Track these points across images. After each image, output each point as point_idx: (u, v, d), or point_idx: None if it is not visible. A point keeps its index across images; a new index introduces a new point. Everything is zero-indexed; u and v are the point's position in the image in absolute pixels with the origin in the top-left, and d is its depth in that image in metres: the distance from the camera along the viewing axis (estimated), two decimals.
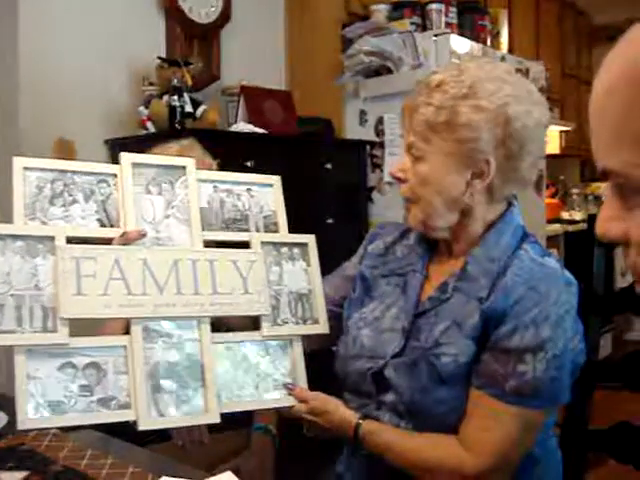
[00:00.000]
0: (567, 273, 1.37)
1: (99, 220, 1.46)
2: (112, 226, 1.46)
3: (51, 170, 1.46)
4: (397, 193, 3.88)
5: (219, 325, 1.50)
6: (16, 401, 1.25)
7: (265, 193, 1.64)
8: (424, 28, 3.89)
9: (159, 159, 1.58)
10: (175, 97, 3.29)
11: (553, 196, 6.05)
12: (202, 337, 1.42)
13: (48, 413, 1.25)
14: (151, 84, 3.47)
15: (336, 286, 1.62)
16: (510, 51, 4.80)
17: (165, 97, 3.34)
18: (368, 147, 3.92)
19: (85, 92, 3.38)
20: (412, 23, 3.85)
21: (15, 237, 1.35)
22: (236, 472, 1.24)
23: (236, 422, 1.46)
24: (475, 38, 4.01)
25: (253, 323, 1.52)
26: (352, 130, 4.04)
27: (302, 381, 1.50)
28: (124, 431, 1.36)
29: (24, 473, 1.18)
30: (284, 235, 1.61)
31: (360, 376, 1.46)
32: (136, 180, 1.50)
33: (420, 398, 1.36)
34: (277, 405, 1.50)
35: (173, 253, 1.46)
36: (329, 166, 3.64)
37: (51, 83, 3.28)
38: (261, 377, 1.46)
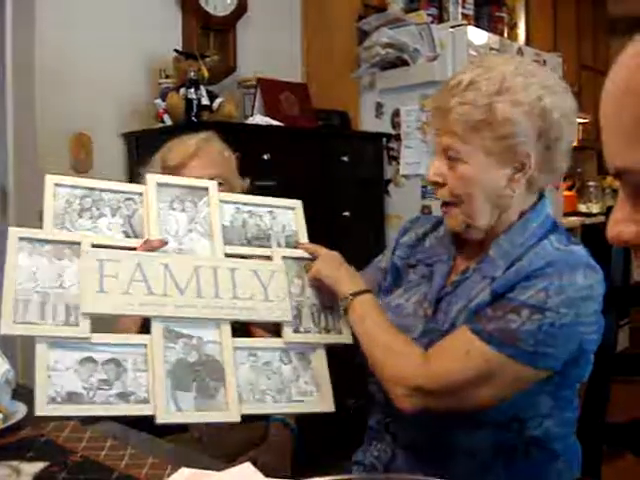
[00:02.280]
0: (593, 262, 1.35)
1: (124, 232, 1.51)
2: (137, 238, 1.51)
3: (81, 187, 1.52)
4: (414, 186, 3.88)
5: (242, 336, 1.51)
6: (35, 389, 1.26)
7: (287, 215, 1.68)
8: (441, 20, 3.88)
9: (183, 180, 1.64)
10: (192, 90, 3.30)
11: (570, 189, 6.01)
12: (223, 339, 1.43)
13: (66, 402, 1.27)
14: (168, 77, 3.47)
15: (367, 279, 1.63)
16: (527, 43, 4.77)
17: (182, 90, 3.34)
18: (384, 140, 3.92)
19: (101, 85, 3.39)
20: (429, 15, 3.84)
21: (43, 242, 1.41)
22: (253, 464, 1.24)
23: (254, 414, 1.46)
24: (492, 30, 4.00)
25: (277, 333, 1.53)
26: (368, 123, 4.03)
27: (326, 389, 1.49)
28: (142, 423, 1.37)
29: (43, 464, 1.19)
30: (302, 252, 1.63)
31: None
32: (161, 197, 1.56)
33: None
34: (298, 411, 1.52)
35: (194, 260, 1.50)
36: (345, 159, 3.63)
37: (67, 76, 3.29)
38: (284, 383, 1.47)
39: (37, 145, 3.25)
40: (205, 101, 3.35)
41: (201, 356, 1.40)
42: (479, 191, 1.37)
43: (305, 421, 1.87)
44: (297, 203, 1.70)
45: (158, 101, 3.41)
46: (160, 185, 1.58)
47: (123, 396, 1.32)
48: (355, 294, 1.48)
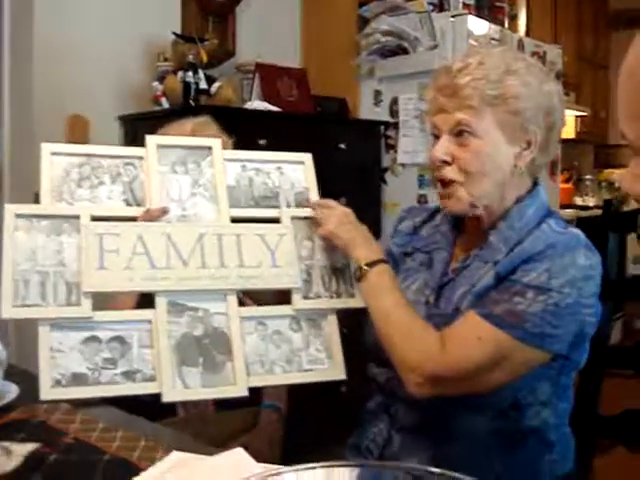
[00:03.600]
0: (590, 244, 1.37)
1: (125, 201, 1.47)
2: (138, 206, 1.47)
3: (78, 155, 1.47)
4: (411, 175, 3.87)
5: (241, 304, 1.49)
6: (39, 373, 1.26)
7: (296, 171, 1.62)
8: (441, 8, 3.86)
9: (184, 140, 1.58)
10: (190, 73, 3.29)
11: (567, 181, 6.02)
12: (229, 310, 1.40)
13: (71, 385, 1.26)
14: (166, 60, 3.46)
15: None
16: (527, 34, 4.76)
17: (180, 73, 3.33)
18: (382, 128, 3.91)
19: (99, 67, 3.38)
20: (429, 3, 3.82)
21: (41, 217, 1.37)
22: (244, 449, 1.24)
23: (245, 400, 1.46)
24: (492, 20, 3.98)
25: (286, 301, 1.50)
26: (367, 110, 4.02)
27: (338, 356, 1.48)
28: (135, 404, 1.36)
29: (35, 445, 1.18)
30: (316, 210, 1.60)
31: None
32: (162, 161, 1.50)
33: None
34: (309, 380, 1.47)
35: (198, 228, 1.45)
36: (343, 146, 3.63)
37: (65, 58, 3.28)
38: (294, 352, 1.45)
39: (33, 126, 3.24)
40: (203, 85, 3.33)
41: (207, 329, 1.38)
42: (490, 167, 1.39)
43: (297, 406, 1.87)
44: (307, 157, 1.66)
45: (156, 84, 3.40)
46: (161, 147, 1.52)
47: (129, 374, 1.30)
48: (371, 264, 1.45)
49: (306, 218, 1.56)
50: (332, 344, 1.48)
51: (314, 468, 0.55)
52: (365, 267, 1.45)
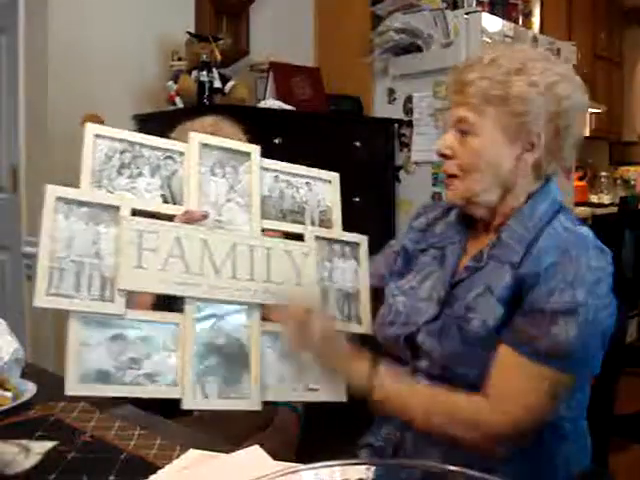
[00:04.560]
0: (599, 242, 1.37)
1: (163, 196, 1.45)
2: (175, 203, 1.46)
3: (120, 140, 1.43)
4: (425, 173, 3.87)
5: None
6: (66, 366, 1.25)
7: (323, 188, 1.63)
8: (455, 6, 3.84)
9: (226, 142, 1.55)
10: (204, 72, 3.30)
11: (581, 179, 5.98)
12: (252, 323, 1.41)
13: (96, 382, 1.26)
14: (180, 59, 3.47)
15: (377, 267, 1.65)
16: (541, 31, 4.74)
17: (194, 72, 3.34)
18: (396, 126, 3.90)
19: (114, 66, 3.39)
20: (443, 0, 3.80)
21: (81, 203, 1.34)
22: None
23: None
24: (506, 17, 3.96)
25: None
26: (380, 108, 4.01)
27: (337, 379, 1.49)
28: (150, 403, 1.37)
29: (53, 443, 1.19)
30: (338, 232, 1.61)
31: (394, 341, 1.49)
32: (203, 160, 1.49)
33: (452, 363, 1.38)
34: (318, 399, 1.49)
35: (233, 237, 1.45)
36: (357, 144, 3.63)
37: (80, 58, 3.29)
38: (306, 369, 1.46)
39: (48, 125, 3.26)
40: (217, 84, 3.34)
41: (229, 340, 1.38)
42: (485, 165, 1.39)
43: (312, 405, 1.87)
44: (334, 175, 1.66)
45: (170, 83, 3.40)
46: (203, 146, 1.50)
47: (151, 377, 1.30)
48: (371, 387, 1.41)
49: (329, 240, 1.58)
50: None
51: (332, 466, 0.55)
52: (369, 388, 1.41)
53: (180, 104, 3.36)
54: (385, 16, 3.88)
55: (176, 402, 1.36)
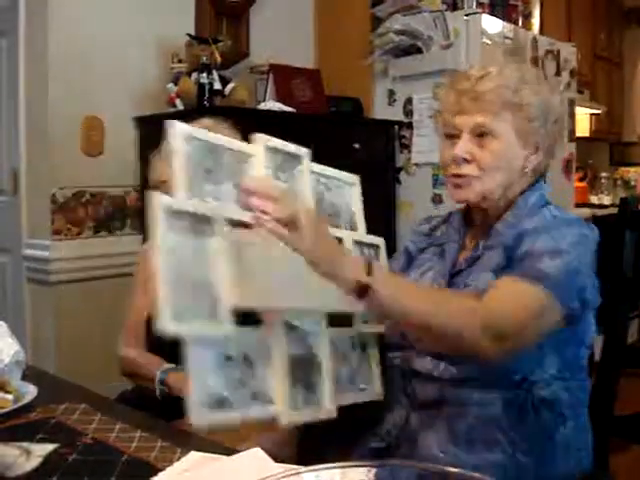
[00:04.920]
0: (588, 223, 1.48)
1: (237, 202, 1.28)
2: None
3: (206, 141, 1.28)
4: (425, 174, 3.87)
5: None
6: (191, 394, 1.14)
7: (349, 190, 1.62)
8: (455, 7, 3.84)
9: (286, 145, 1.45)
10: (204, 74, 3.30)
11: (582, 180, 5.99)
12: (322, 331, 1.38)
13: (216, 408, 1.17)
14: (180, 61, 3.47)
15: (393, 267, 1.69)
16: (541, 32, 4.74)
17: (194, 74, 3.34)
18: (396, 127, 3.91)
19: (114, 68, 3.40)
20: (443, 2, 3.81)
21: (181, 214, 1.18)
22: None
23: None
24: (506, 18, 3.97)
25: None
26: (381, 110, 4.02)
27: (380, 377, 1.52)
28: (150, 405, 1.37)
29: (54, 445, 1.20)
30: (362, 235, 1.61)
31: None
32: (267, 164, 1.38)
33: None
34: (367, 399, 1.49)
35: None
36: (357, 146, 3.63)
37: (80, 59, 3.30)
38: (354, 371, 1.46)
39: (49, 127, 3.26)
40: (217, 86, 3.35)
41: (306, 350, 1.35)
42: (504, 165, 1.50)
43: None
44: (356, 178, 1.64)
45: (170, 85, 3.41)
46: (268, 149, 1.38)
47: (256, 396, 1.24)
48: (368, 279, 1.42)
49: (365, 244, 1.58)
50: (376, 364, 1.52)
51: (333, 468, 0.55)
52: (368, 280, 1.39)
53: (180, 106, 3.37)
54: (385, 18, 3.89)
55: (177, 404, 1.36)
